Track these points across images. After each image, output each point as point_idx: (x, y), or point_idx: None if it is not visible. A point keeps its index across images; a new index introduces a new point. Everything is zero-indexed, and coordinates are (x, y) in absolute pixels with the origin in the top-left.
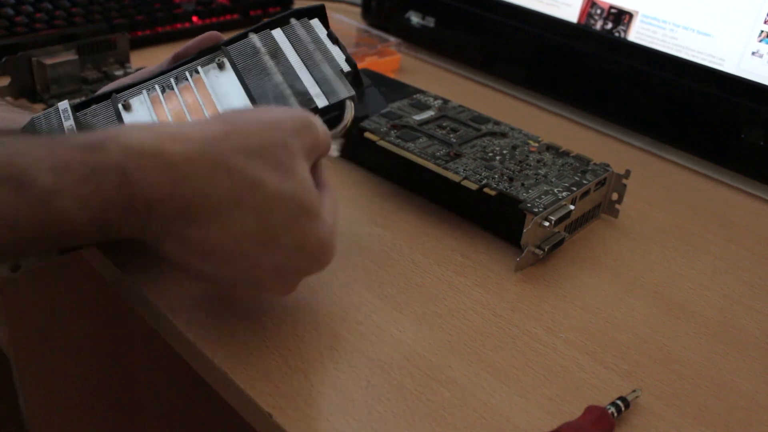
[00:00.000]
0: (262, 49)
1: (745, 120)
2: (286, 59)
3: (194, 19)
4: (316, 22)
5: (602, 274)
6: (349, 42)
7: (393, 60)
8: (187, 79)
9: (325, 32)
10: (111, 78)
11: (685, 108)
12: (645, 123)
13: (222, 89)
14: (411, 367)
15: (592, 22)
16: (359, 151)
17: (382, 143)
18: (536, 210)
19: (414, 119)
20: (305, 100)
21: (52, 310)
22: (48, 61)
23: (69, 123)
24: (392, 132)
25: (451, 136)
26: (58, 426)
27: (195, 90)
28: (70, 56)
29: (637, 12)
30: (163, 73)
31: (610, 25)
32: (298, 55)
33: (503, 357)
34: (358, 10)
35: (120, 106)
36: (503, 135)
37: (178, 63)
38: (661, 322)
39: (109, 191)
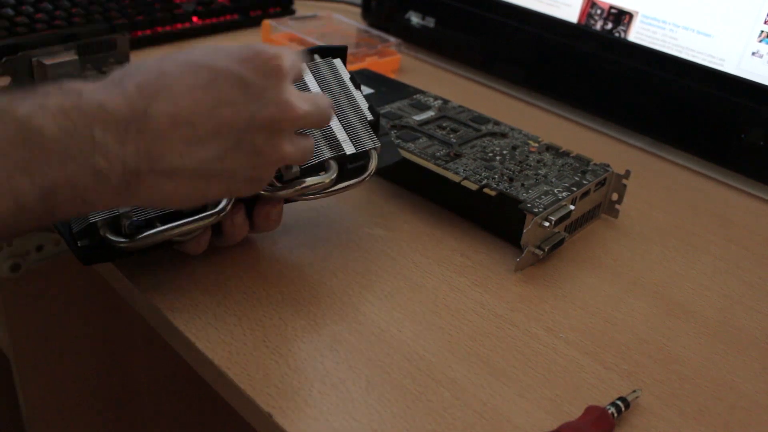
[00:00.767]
0: None
1: (745, 120)
2: None
3: (194, 19)
4: (339, 63)
5: (602, 274)
6: (349, 42)
7: (393, 60)
8: None
9: (348, 75)
10: None
11: (685, 108)
12: (645, 123)
13: None
14: (411, 367)
15: (592, 22)
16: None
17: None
18: (536, 210)
19: (414, 119)
20: (334, 144)
21: (52, 310)
22: (48, 62)
23: None
24: (392, 132)
25: (451, 136)
26: (57, 426)
27: None
28: (70, 56)
29: (637, 12)
30: None
31: (610, 26)
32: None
33: (503, 357)
34: (358, 10)
35: None
36: (503, 135)
37: None
38: (661, 322)
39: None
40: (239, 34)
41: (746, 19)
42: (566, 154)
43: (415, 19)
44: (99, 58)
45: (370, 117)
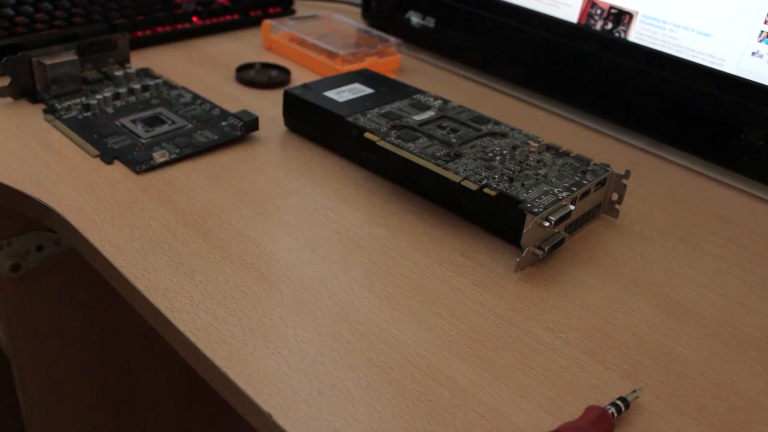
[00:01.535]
0: None
1: (745, 120)
2: None
3: (194, 19)
4: None
5: (602, 274)
6: (350, 42)
7: (393, 60)
8: None
9: None
10: (111, 78)
11: (685, 108)
12: (645, 123)
13: None
14: (411, 367)
15: (592, 22)
16: (359, 152)
17: (382, 144)
18: (536, 210)
19: (414, 119)
20: None
21: (52, 310)
22: (48, 62)
23: None
24: (392, 132)
25: (451, 136)
26: (57, 426)
27: None
28: (70, 56)
29: (637, 12)
30: None
31: (610, 26)
32: None
33: (503, 357)
34: (358, 10)
35: None
36: (503, 135)
37: None
38: (661, 321)
39: None
40: (239, 34)
41: (746, 19)
42: (566, 154)
43: (415, 19)
44: (99, 58)
45: None
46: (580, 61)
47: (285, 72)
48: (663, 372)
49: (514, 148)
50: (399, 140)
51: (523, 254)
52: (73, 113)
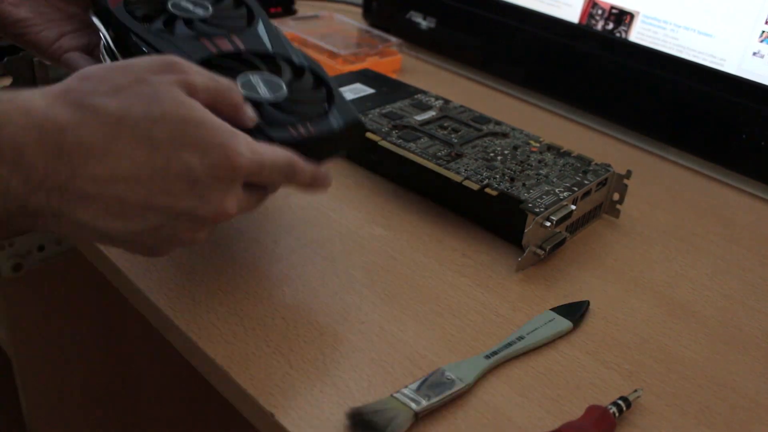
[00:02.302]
0: None
1: (746, 120)
2: None
3: None
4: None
5: (603, 274)
6: (350, 42)
7: (394, 60)
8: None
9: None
10: None
11: (686, 108)
12: (646, 123)
13: None
14: (412, 366)
15: (593, 22)
16: (361, 152)
17: (384, 144)
18: (537, 210)
19: (415, 119)
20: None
21: (53, 310)
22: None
23: None
24: (394, 132)
25: (453, 136)
26: (58, 425)
27: None
28: None
29: (638, 12)
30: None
31: (611, 26)
32: None
33: None
34: (359, 10)
35: None
36: (504, 135)
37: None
38: (662, 321)
39: None
40: None
41: (747, 19)
42: (567, 154)
43: (416, 19)
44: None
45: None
46: (581, 61)
47: None
48: (664, 372)
49: (515, 148)
50: (400, 140)
51: (525, 254)
52: None
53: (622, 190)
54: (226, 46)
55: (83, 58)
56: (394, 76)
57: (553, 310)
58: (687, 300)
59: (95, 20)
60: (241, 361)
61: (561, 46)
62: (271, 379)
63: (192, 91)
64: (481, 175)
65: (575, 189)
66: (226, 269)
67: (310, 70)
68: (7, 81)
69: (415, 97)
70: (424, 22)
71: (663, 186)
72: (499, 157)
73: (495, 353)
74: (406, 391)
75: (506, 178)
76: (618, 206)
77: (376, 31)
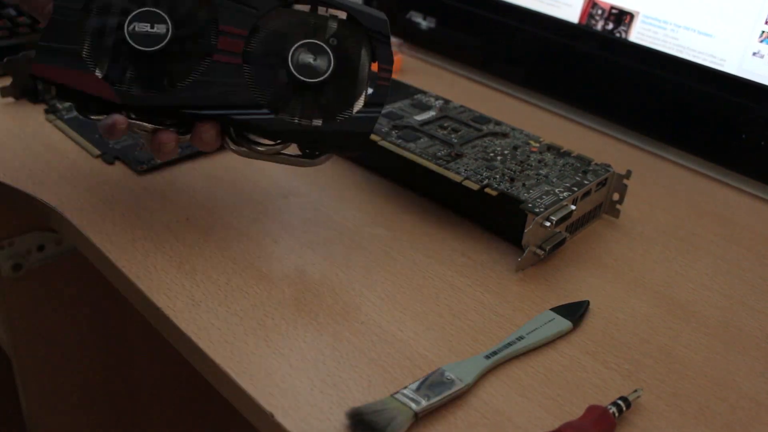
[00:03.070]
0: None
1: (746, 120)
2: None
3: None
4: None
5: (603, 274)
6: None
7: (394, 61)
8: None
9: None
10: None
11: (686, 108)
12: (646, 123)
13: None
14: (413, 366)
15: (593, 22)
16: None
17: (384, 144)
18: (537, 210)
19: (415, 119)
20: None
21: (53, 310)
22: None
23: None
24: (393, 132)
25: (453, 136)
26: (58, 425)
27: None
28: None
29: (638, 12)
30: None
31: (611, 26)
32: None
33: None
34: None
35: None
36: (504, 135)
37: None
38: (662, 321)
39: None
40: None
41: (747, 19)
42: (567, 154)
43: (416, 19)
44: None
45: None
46: (581, 61)
47: None
48: (664, 372)
49: (515, 148)
50: (400, 140)
51: (525, 254)
52: (75, 113)
53: (622, 190)
54: None
55: None
56: (394, 76)
57: (553, 310)
58: (687, 300)
59: None
60: (241, 361)
61: (561, 46)
62: (271, 379)
63: None
64: (481, 175)
65: (575, 189)
66: (226, 270)
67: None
68: (7, 81)
69: (415, 97)
70: (424, 22)
71: (663, 186)
72: (499, 157)
73: (495, 353)
74: (405, 391)
75: (506, 178)
76: (618, 206)
77: None
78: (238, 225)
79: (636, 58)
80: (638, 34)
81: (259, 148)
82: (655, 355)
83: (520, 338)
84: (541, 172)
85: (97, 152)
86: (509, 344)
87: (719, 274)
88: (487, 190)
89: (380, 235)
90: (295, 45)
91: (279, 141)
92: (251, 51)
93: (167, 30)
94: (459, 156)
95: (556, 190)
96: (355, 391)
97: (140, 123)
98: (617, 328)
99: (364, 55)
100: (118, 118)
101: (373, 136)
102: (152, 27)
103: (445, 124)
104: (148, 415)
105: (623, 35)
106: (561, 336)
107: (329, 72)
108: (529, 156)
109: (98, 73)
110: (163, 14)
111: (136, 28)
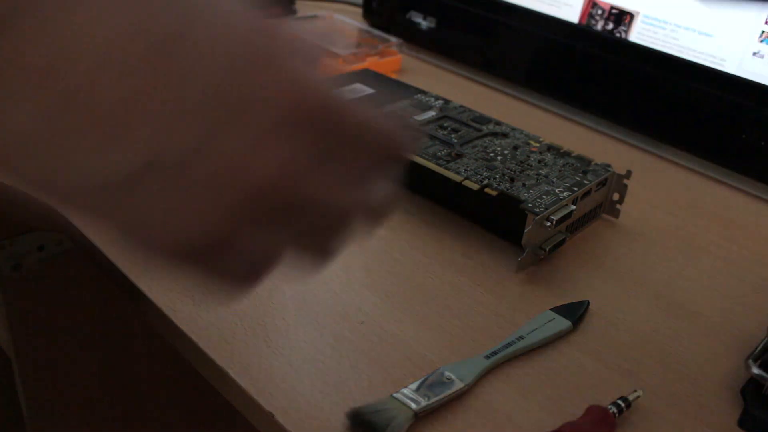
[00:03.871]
0: None
1: (746, 120)
2: None
3: None
4: None
5: (603, 274)
6: (350, 42)
7: (394, 60)
8: None
9: None
10: None
11: (686, 108)
12: (646, 123)
13: None
14: (413, 367)
15: (593, 22)
16: None
17: None
18: (537, 210)
19: (416, 120)
20: None
21: (53, 310)
22: None
23: None
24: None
25: (453, 136)
26: (59, 425)
27: None
28: None
29: (638, 12)
30: None
31: (611, 26)
32: None
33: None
34: (359, 10)
35: None
36: (504, 135)
37: None
38: (662, 321)
39: None
40: None
41: (747, 19)
42: (567, 154)
43: (416, 19)
44: None
45: None
46: (581, 61)
47: None
48: (664, 372)
49: (516, 148)
50: None
51: (525, 254)
52: None
53: (623, 190)
54: None
55: None
56: (394, 76)
57: (553, 310)
58: (687, 300)
59: None
60: (241, 361)
61: (561, 46)
62: (271, 380)
63: None
64: (481, 175)
65: (575, 189)
66: None
67: None
68: None
69: (415, 97)
70: (424, 22)
71: (662, 186)
72: (499, 157)
73: (495, 353)
74: (405, 391)
75: (506, 178)
76: (618, 206)
77: (376, 31)
78: None
79: (636, 58)
80: (638, 34)
81: None
82: (655, 355)
83: (520, 338)
84: (541, 171)
85: None
86: (509, 344)
87: (719, 274)
88: (487, 189)
89: (381, 234)
90: None
91: None
92: None
93: None
94: (459, 156)
95: (556, 190)
96: (355, 391)
97: None
98: (617, 328)
99: None
100: None
101: None
102: None
103: (445, 124)
104: (148, 415)
105: (623, 35)
106: (561, 336)
107: None
108: (529, 156)
109: None
110: None
111: None
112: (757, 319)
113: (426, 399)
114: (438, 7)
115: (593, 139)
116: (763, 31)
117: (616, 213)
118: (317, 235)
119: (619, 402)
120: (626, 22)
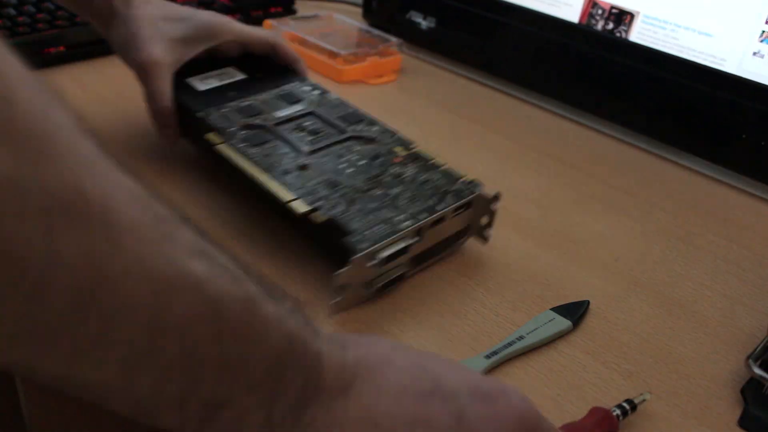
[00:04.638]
0: None
1: (745, 120)
2: None
3: None
4: None
5: (603, 274)
6: (350, 42)
7: (394, 60)
8: None
9: None
10: None
11: (686, 108)
12: (646, 123)
13: None
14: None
15: (593, 22)
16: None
17: (220, 148)
18: (362, 246)
19: (273, 116)
20: None
21: None
22: None
23: None
24: (240, 133)
25: (308, 139)
26: (59, 426)
27: None
28: None
29: (638, 12)
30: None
31: (611, 26)
32: None
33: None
34: (359, 10)
35: None
36: (370, 140)
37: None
38: (662, 321)
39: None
40: None
41: (747, 19)
42: (434, 167)
43: (416, 19)
44: None
45: None
46: (581, 61)
47: None
48: (664, 371)
49: (375, 157)
50: (244, 143)
51: (341, 297)
52: None
53: (490, 214)
54: None
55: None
56: (394, 76)
57: (553, 310)
58: (687, 299)
59: None
60: None
61: (561, 46)
62: None
63: None
64: (318, 194)
65: (422, 217)
66: None
67: None
68: None
69: (289, 86)
70: (424, 22)
71: (662, 185)
72: (348, 170)
73: (495, 353)
74: None
75: (346, 199)
76: (487, 231)
77: (376, 31)
78: (234, 230)
79: (636, 58)
80: (638, 34)
81: None
82: (655, 354)
83: (521, 338)
84: (391, 192)
85: None
86: (509, 344)
87: (719, 273)
88: (313, 215)
89: None
90: None
91: None
92: None
93: None
94: (303, 168)
95: (398, 218)
96: None
97: None
98: (617, 328)
99: None
100: None
101: (212, 137)
102: None
103: (305, 123)
104: None
105: (623, 35)
106: (561, 336)
107: None
108: (387, 169)
109: None
110: None
111: None
112: (757, 319)
113: None
114: (438, 7)
115: (593, 138)
116: (763, 31)
117: (484, 238)
118: None
119: (624, 405)
120: (626, 21)
